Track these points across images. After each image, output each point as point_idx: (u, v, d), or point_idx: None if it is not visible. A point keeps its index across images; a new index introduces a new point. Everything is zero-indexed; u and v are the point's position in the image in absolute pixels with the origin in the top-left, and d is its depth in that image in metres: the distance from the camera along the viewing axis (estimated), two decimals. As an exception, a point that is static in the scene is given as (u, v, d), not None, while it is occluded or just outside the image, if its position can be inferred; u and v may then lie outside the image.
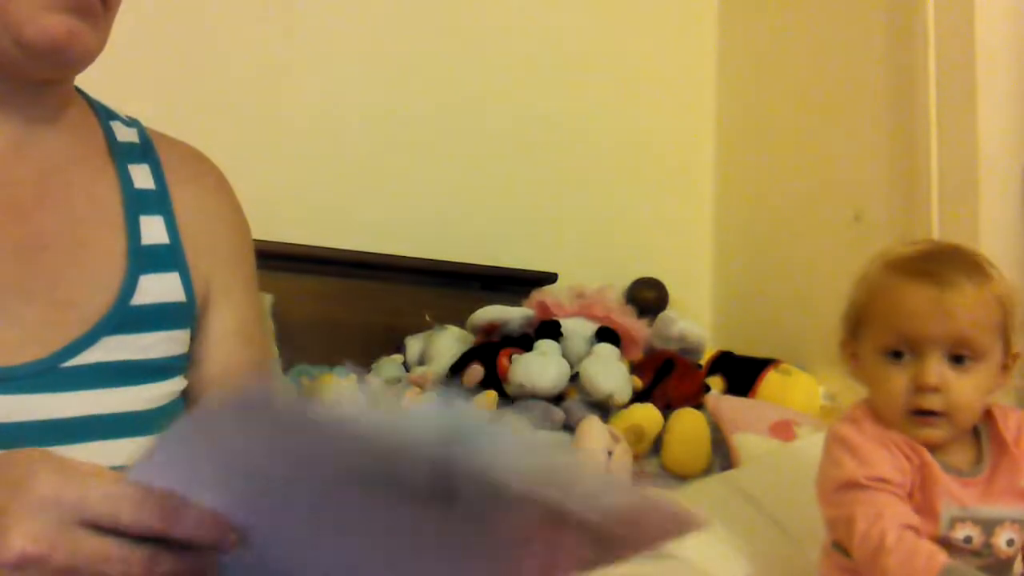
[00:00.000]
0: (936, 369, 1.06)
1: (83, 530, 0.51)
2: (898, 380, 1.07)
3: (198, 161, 0.91)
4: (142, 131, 0.89)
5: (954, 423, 1.08)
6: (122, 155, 0.85)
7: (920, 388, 1.06)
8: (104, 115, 0.88)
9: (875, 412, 1.12)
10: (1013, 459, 1.10)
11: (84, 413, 0.73)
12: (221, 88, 1.95)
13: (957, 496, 1.07)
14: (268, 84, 2.01)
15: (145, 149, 0.87)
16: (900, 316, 1.07)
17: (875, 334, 1.10)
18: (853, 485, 1.06)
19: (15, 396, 0.71)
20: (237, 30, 1.99)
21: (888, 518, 1.02)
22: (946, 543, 1.05)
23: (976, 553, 1.07)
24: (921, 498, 1.07)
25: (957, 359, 1.06)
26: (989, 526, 1.07)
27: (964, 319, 1.05)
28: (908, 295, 1.07)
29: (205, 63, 1.93)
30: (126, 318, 0.78)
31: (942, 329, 1.06)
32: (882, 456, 1.07)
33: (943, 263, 1.09)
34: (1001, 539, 1.07)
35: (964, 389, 1.06)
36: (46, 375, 0.73)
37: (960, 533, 1.06)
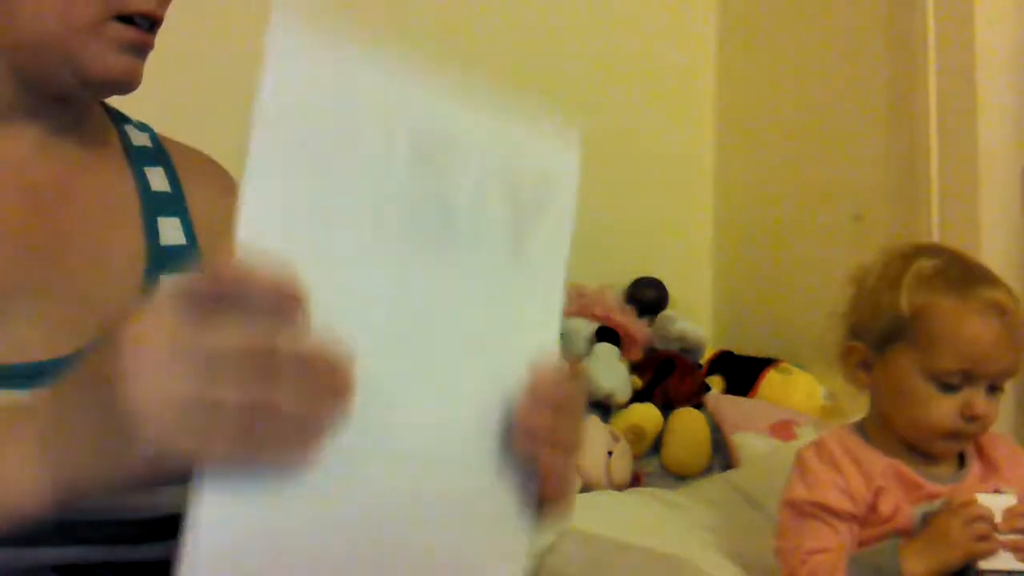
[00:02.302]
0: (983, 399, 1.09)
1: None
2: (946, 406, 1.09)
3: (210, 166, 0.93)
4: (153, 135, 0.91)
5: (972, 440, 1.13)
6: (138, 158, 0.87)
7: (972, 417, 1.08)
8: (119, 119, 0.90)
9: (876, 429, 1.14)
10: (1002, 476, 1.14)
11: None
12: (221, 87, 1.94)
13: (933, 496, 1.10)
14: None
15: (158, 153, 0.89)
16: (969, 349, 1.08)
17: (927, 357, 1.09)
18: (793, 507, 1.12)
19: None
20: (237, 29, 1.98)
21: (806, 550, 1.08)
22: None
23: None
24: (904, 506, 1.10)
25: (992, 388, 1.10)
26: None
27: (1016, 352, 1.09)
28: (978, 329, 1.08)
29: (205, 62, 1.93)
30: None
31: (1002, 364, 1.09)
32: (830, 481, 1.10)
33: (995, 287, 1.11)
34: None
35: (994, 414, 1.11)
36: (70, 371, 0.74)
37: None
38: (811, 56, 2.28)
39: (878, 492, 1.10)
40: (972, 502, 1.04)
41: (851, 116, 2.15)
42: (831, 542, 1.08)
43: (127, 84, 0.78)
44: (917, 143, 1.94)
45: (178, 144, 0.92)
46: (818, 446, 1.15)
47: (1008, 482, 1.12)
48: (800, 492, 1.11)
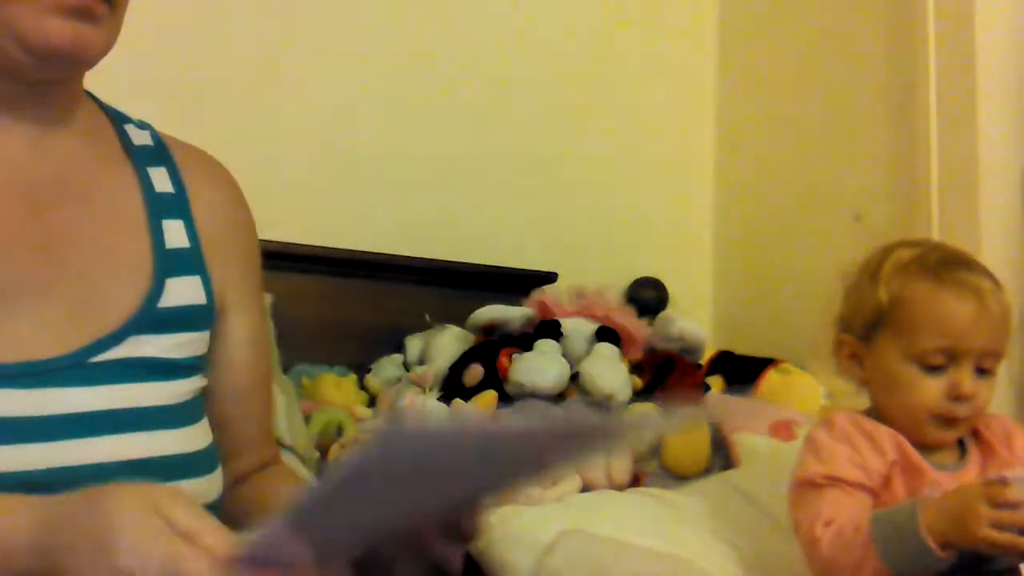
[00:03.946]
0: (970, 379, 1.08)
1: None
2: (932, 388, 1.09)
3: (212, 166, 0.93)
4: (155, 134, 0.90)
5: (968, 426, 1.13)
6: (140, 158, 0.87)
7: (957, 397, 1.09)
8: (117, 119, 0.89)
9: (880, 414, 1.14)
10: (1002, 460, 1.14)
11: (112, 407, 0.75)
12: (221, 85, 1.94)
13: (941, 485, 1.10)
14: (269, 82, 2.01)
15: (160, 152, 0.88)
16: (945, 327, 1.08)
17: (908, 341, 1.10)
18: (809, 484, 1.12)
19: (45, 390, 0.72)
20: (238, 27, 1.99)
21: (825, 515, 1.07)
22: None
23: None
24: (906, 489, 1.10)
25: (981, 370, 1.10)
26: None
27: (998, 332, 1.09)
28: (953, 307, 1.08)
29: (206, 60, 1.92)
30: (153, 319, 0.80)
31: (983, 342, 1.09)
32: (843, 454, 1.11)
33: (972, 270, 1.11)
34: None
35: (985, 396, 1.11)
36: (75, 369, 0.74)
37: None
38: (811, 56, 2.28)
39: (893, 466, 1.10)
40: (1007, 485, 1.00)
41: (851, 116, 2.15)
42: (851, 506, 1.08)
43: (72, 52, 0.74)
44: (917, 143, 1.94)
45: (180, 143, 0.91)
46: (828, 424, 1.15)
47: (1008, 464, 1.12)
48: (814, 468, 1.11)
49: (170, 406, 0.79)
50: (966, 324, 1.08)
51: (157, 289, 0.81)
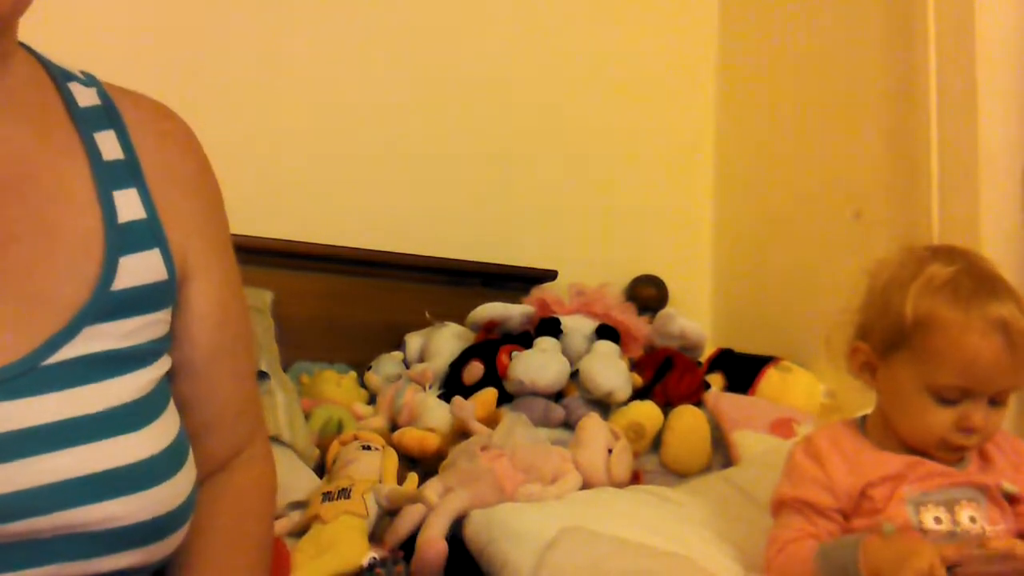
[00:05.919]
0: (983, 413, 1.08)
1: None
2: (943, 418, 1.08)
3: (162, 119, 0.85)
4: (101, 90, 0.83)
5: (973, 450, 1.13)
6: (86, 123, 0.79)
7: (967, 429, 1.08)
8: (61, 77, 0.82)
9: (879, 427, 1.14)
10: (998, 470, 1.14)
11: (68, 416, 0.68)
12: (221, 82, 1.94)
13: (945, 475, 1.10)
14: (268, 79, 2.01)
15: (108, 111, 0.81)
16: (967, 369, 1.06)
17: (925, 371, 1.08)
18: (780, 504, 1.14)
19: None
20: (238, 24, 1.98)
21: (781, 540, 1.10)
22: (922, 530, 1.08)
23: (951, 534, 1.09)
24: (892, 495, 1.10)
25: (994, 402, 1.09)
26: (949, 505, 1.10)
27: (1020, 367, 1.07)
28: (978, 348, 1.05)
29: (206, 56, 1.92)
30: (108, 305, 0.73)
31: (1003, 384, 1.07)
32: (812, 477, 1.12)
33: (1003, 300, 1.07)
34: (963, 516, 1.09)
35: (995, 424, 1.10)
36: (25, 377, 0.67)
37: (928, 516, 1.09)
38: (811, 54, 2.28)
39: (868, 485, 1.10)
40: (930, 557, 0.97)
41: (851, 114, 2.15)
42: (810, 535, 1.10)
43: None
44: (917, 141, 1.94)
45: (129, 96, 0.84)
46: (806, 442, 1.17)
47: (1003, 474, 1.12)
48: (785, 489, 1.14)
49: (130, 403, 0.72)
50: (988, 367, 1.05)
51: (109, 271, 0.74)
